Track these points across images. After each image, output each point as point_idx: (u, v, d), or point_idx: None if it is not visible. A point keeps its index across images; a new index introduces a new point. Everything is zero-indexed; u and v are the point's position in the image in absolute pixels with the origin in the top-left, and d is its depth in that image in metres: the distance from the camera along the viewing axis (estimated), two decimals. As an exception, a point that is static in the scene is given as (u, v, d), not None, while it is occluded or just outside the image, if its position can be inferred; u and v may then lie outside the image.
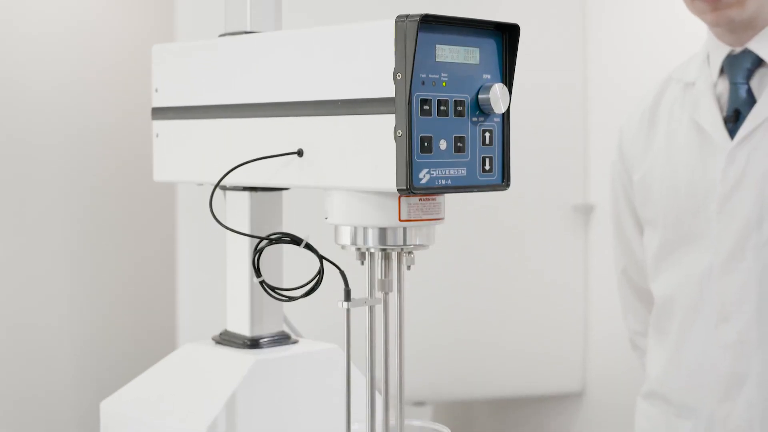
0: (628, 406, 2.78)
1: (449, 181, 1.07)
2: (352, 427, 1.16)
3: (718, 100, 1.65)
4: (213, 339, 1.34)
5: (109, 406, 1.32)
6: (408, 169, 1.03)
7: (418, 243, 1.13)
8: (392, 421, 1.17)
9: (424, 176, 1.05)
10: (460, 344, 2.92)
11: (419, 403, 2.87)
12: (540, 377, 3.00)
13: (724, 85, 1.66)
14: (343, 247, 1.15)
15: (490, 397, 3.06)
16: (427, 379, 2.84)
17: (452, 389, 2.94)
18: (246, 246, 1.28)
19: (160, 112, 1.36)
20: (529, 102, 2.73)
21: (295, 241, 1.17)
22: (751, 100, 1.62)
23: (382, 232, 1.11)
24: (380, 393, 1.17)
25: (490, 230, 2.91)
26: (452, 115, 1.06)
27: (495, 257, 2.91)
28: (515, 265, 2.93)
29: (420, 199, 1.10)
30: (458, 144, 1.07)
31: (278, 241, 1.17)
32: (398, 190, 1.05)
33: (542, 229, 2.95)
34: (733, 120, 1.62)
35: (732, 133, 1.62)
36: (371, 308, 1.16)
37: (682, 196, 1.66)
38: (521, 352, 2.95)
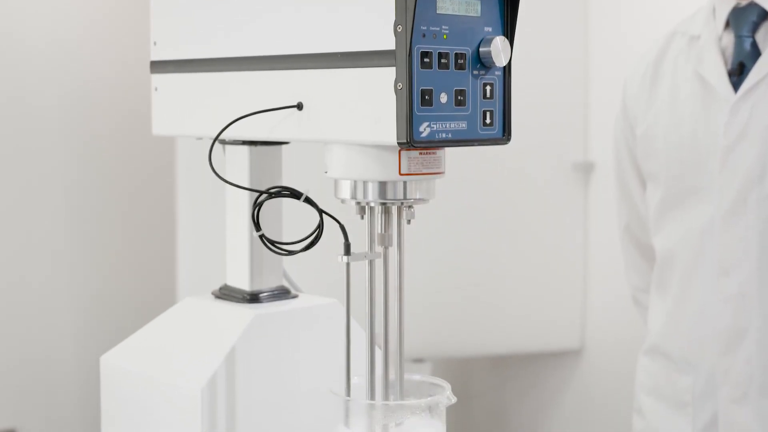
0: (626, 363, 2.79)
1: (450, 135, 1.06)
2: (352, 381, 1.16)
3: (723, 53, 1.64)
4: (213, 293, 1.34)
5: (109, 360, 1.33)
6: (408, 122, 1.03)
7: (418, 197, 1.12)
8: (392, 375, 1.18)
9: (424, 129, 1.04)
10: (459, 301, 2.92)
11: (418, 360, 2.88)
12: (539, 334, 3.01)
13: (729, 39, 1.65)
14: (342, 201, 1.15)
15: (488, 355, 3.07)
16: (426, 336, 2.84)
17: (451, 346, 2.95)
18: (245, 200, 1.27)
19: (158, 66, 1.35)
20: (529, 56, 2.71)
21: (295, 194, 1.16)
22: (756, 54, 1.61)
23: (382, 185, 1.11)
24: (380, 348, 1.17)
25: (490, 188, 2.90)
26: (453, 68, 1.05)
27: (494, 214, 2.91)
28: (514, 223, 2.93)
29: (420, 153, 1.10)
30: (459, 97, 1.06)
31: (278, 194, 1.17)
32: (398, 143, 1.04)
33: (542, 186, 2.94)
34: (738, 73, 1.61)
35: (736, 86, 1.61)
36: (371, 263, 1.15)
37: (685, 150, 1.65)
38: (520, 310, 2.96)
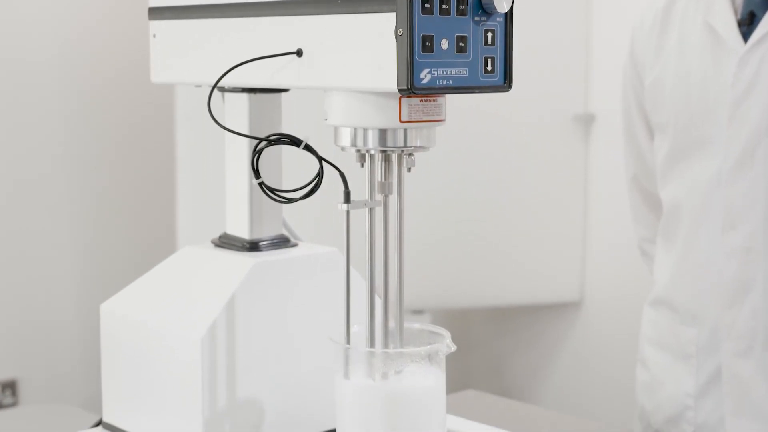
0: (625, 315, 2.80)
1: (450, 82, 1.05)
2: (352, 329, 1.17)
3: (733, 2, 1.62)
4: (212, 242, 1.33)
5: (108, 309, 1.33)
6: (409, 68, 1.02)
7: (418, 145, 1.12)
8: (391, 324, 1.18)
9: (425, 76, 1.03)
10: (459, 253, 2.92)
11: (418, 312, 2.89)
12: (538, 286, 3.02)
13: (739, -13, 1.63)
14: (342, 148, 1.14)
15: (488, 306, 3.08)
16: (425, 287, 2.85)
17: (450, 298, 2.95)
18: (245, 148, 1.27)
19: (157, 12, 1.33)
20: (531, 5, 2.69)
21: (295, 142, 1.16)
22: (766, 3, 1.59)
23: (383, 133, 1.10)
24: (379, 297, 1.17)
25: (490, 140, 2.89)
26: (454, 14, 1.04)
27: (494, 166, 2.90)
28: (514, 174, 2.92)
29: (421, 100, 1.09)
30: (460, 44, 1.05)
31: (277, 142, 1.16)
32: (399, 90, 1.03)
33: (542, 138, 2.93)
34: (747, 23, 1.59)
35: (745, 36, 1.59)
36: (371, 211, 1.15)
37: (693, 100, 1.64)
38: (520, 261, 2.96)
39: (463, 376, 3.19)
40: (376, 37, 1.03)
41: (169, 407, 1.23)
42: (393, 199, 1.15)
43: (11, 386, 3.07)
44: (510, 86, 1.11)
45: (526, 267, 2.97)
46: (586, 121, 2.95)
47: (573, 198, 2.98)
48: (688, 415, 1.68)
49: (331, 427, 1.28)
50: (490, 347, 3.32)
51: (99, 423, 1.37)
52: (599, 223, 2.96)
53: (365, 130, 1.11)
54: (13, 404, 3.05)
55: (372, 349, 1.15)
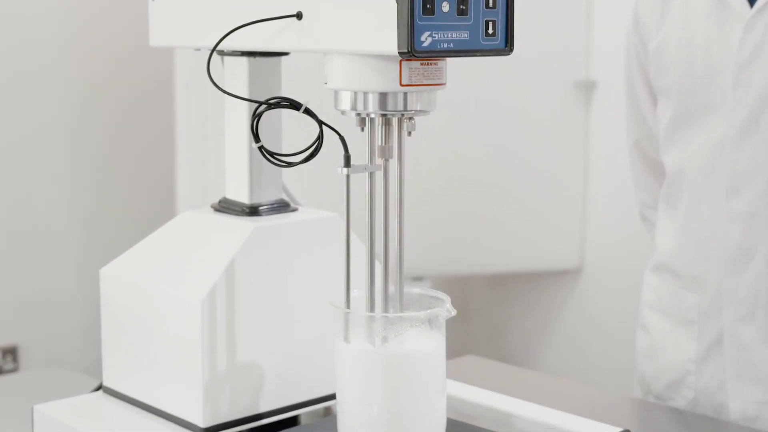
0: (625, 282, 2.81)
1: (451, 45, 1.05)
2: (352, 294, 1.17)
3: (739, -34, 1.61)
4: (212, 207, 1.33)
5: (108, 273, 1.33)
6: (409, 31, 1.01)
7: (419, 108, 1.11)
8: (391, 288, 1.18)
9: (425, 39, 1.03)
10: (459, 219, 2.92)
11: (418, 278, 2.89)
12: (538, 253, 3.02)
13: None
14: (343, 112, 1.14)
15: (488, 273, 3.08)
16: (425, 254, 2.85)
17: (450, 264, 2.95)
18: (245, 112, 1.26)
19: (155, -25, 1.32)
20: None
21: (295, 105, 1.15)
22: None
23: (383, 96, 1.10)
24: (379, 262, 1.17)
25: (490, 106, 2.88)
26: (455, -24, 1.03)
27: (494, 132, 2.89)
28: (515, 141, 2.91)
29: (421, 64, 1.08)
30: (461, 6, 1.05)
31: (277, 105, 1.16)
32: (399, 53, 1.03)
33: (543, 104, 2.92)
34: (754, -13, 1.58)
35: (751, 1, 1.58)
36: (371, 175, 1.15)
37: (697, 65, 1.63)
38: (520, 228, 2.96)
39: (462, 343, 3.20)
40: (377, 0, 1.03)
41: (169, 371, 1.24)
42: (393, 163, 1.15)
43: (12, 352, 3.07)
44: (511, 50, 1.10)
45: (526, 234, 2.97)
46: (587, 87, 2.94)
47: (573, 165, 2.97)
48: (688, 380, 1.69)
49: (330, 392, 1.29)
50: (490, 314, 3.33)
51: (99, 387, 1.37)
52: (599, 189, 2.96)
53: (365, 93, 1.10)
54: (14, 370, 3.06)
55: (372, 314, 1.15)
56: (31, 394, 2.62)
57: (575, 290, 3.08)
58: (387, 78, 1.08)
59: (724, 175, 1.61)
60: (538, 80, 2.90)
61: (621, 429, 1.23)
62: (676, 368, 1.71)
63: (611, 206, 2.91)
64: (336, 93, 1.13)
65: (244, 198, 1.29)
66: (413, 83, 1.09)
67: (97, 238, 3.17)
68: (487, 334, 3.33)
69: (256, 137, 1.16)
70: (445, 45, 1.04)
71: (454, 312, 1.14)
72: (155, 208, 3.15)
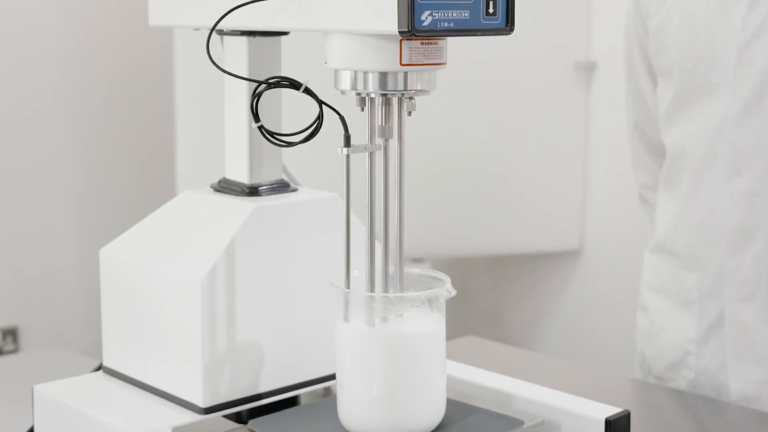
0: (625, 264, 2.81)
1: (452, 24, 1.04)
2: (352, 274, 1.16)
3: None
4: (212, 187, 1.33)
5: (108, 253, 1.33)
6: (410, 10, 1.01)
7: (419, 88, 1.11)
8: (391, 268, 1.18)
9: (426, 18, 1.02)
10: (459, 200, 2.92)
11: (417, 260, 2.89)
12: (538, 235, 3.02)
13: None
14: (342, 92, 1.13)
15: (488, 255, 3.08)
16: (425, 235, 2.85)
17: (450, 246, 2.95)
18: (244, 92, 1.26)
19: (154, -46, 1.32)
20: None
21: (294, 85, 1.15)
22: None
23: (383, 76, 1.10)
24: (379, 242, 1.17)
25: (490, 87, 2.88)
26: (456, -45, 1.03)
27: (494, 113, 2.89)
28: (515, 122, 2.91)
29: (422, 43, 1.08)
30: (462, -15, 1.04)
31: (277, 85, 1.16)
32: (399, 32, 1.02)
33: (543, 86, 2.92)
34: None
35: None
36: (371, 155, 1.15)
37: (699, 44, 1.62)
38: (520, 210, 2.96)
39: (462, 324, 3.20)
40: (377, -22, 1.02)
41: (169, 351, 1.24)
42: (393, 143, 1.15)
43: (12, 333, 3.08)
44: (512, 29, 1.10)
45: (526, 215, 2.97)
46: (588, 68, 2.93)
47: (573, 146, 2.97)
48: (689, 361, 1.69)
49: (330, 372, 1.29)
50: (490, 296, 3.33)
51: (99, 368, 1.37)
52: (599, 171, 2.96)
53: (365, 73, 1.10)
54: (14, 351, 3.06)
55: (372, 294, 1.15)
56: (31, 374, 2.62)
57: (575, 272, 3.08)
58: (387, 57, 1.08)
59: (726, 155, 1.61)
60: (538, 61, 2.89)
61: (621, 409, 1.23)
62: (677, 349, 1.71)
63: (611, 187, 2.91)
64: (336, 72, 1.13)
65: (243, 178, 1.28)
66: (413, 63, 1.08)
67: (97, 218, 3.17)
68: (487, 315, 3.34)
69: (256, 117, 1.16)
70: (446, 24, 1.04)
71: (454, 292, 1.14)
72: (155, 188, 3.15)
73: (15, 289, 3.06)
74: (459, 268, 3.27)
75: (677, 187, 1.70)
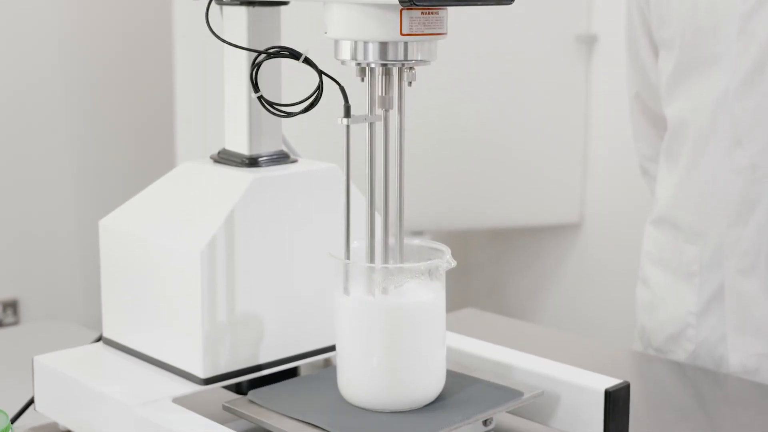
0: (625, 236, 2.81)
1: (453, -7, 1.04)
2: (352, 245, 1.16)
3: None
4: (211, 158, 1.32)
5: (107, 224, 1.32)
6: (410, -21, 1.00)
7: (419, 58, 1.10)
8: (391, 240, 1.17)
9: (427, -13, 1.02)
10: (459, 173, 2.92)
11: (417, 233, 2.89)
12: (538, 208, 3.01)
13: None
14: (342, 62, 1.13)
15: (488, 228, 3.08)
16: (425, 209, 2.85)
17: (450, 219, 2.95)
18: (244, 62, 1.25)
19: (153, -77, 1.31)
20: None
21: (294, 55, 1.14)
22: None
23: (383, 46, 1.09)
24: (379, 214, 1.17)
25: (491, 59, 2.87)
26: (457, -77, 1.02)
27: (495, 86, 2.88)
28: (516, 95, 2.90)
29: (422, 13, 1.07)
30: (463, -46, 1.03)
31: (276, 54, 1.15)
32: (400, 2, 1.02)
33: (544, 58, 2.91)
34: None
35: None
36: (371, 126, 1.14)
37: (700, 15, 1.61)
38: (520, 183, 2.96)
39: (462, 297, 3.21)
40: (377, -53, 1.02)
41: (168, 323, 1.24)
42: (393, 114, 1.14)
43: (12, 305, 3.08)
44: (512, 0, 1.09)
45: (526, 188, 2.96)
46: (589, 41, 2.92)
47: (574, 119, 2.96)
48: (689, 333, 1.69)
49: (330, 343, 1.29)
50: (490, 269, 3.33)
51: (99, 339, 1.37)
52: (600, 144, 2.95)
53: (365, 43, 1.09)
54: (15, 323, 3.07)
55: (372, 265, 1.15)
56: (31, 346, 2.63)
57: (575, 244, 3.08)
58: (387, 27, 1.07)
59: (727, 127, 1.60)
60: (539, 34, 2.88)
61: (620, 381, 1.23)
62: (677, 321, 1.71)
63: (612, 160, 2.90)
64: (336, 42, 1.12)
65: (243, 149, 1.28)
66: (414, 33, 1.08)
67: (97, 190, 3.17)
68: (487, 288, 3.34)
69: (256, 87, 1.15)
70: (447, -7, 1.03)
71: (454, 263, 1.14)
72: (154, 159, 3.14)
73: (15, 261, 3.07)
74: (459, 241, 3.27)
75: (678, 159, 1.70)
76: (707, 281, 1.66)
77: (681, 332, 1.70)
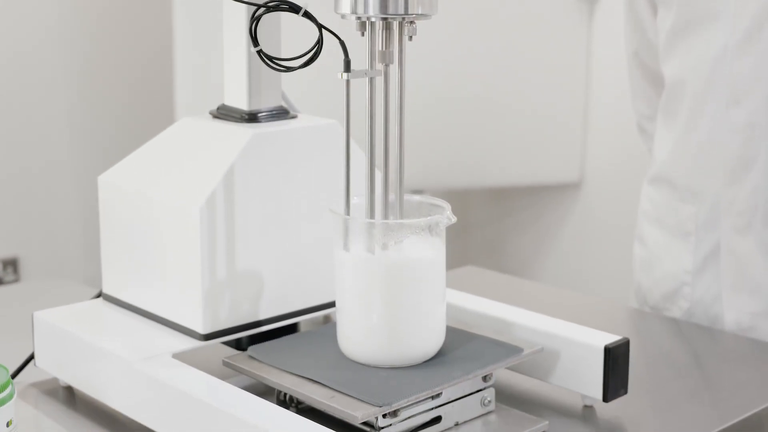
0: (625, 197, 2.80)
1: (454, -54, 1.03)
2: (352, 201, 1.16)
3: None
4: (210, 113, 1.32)
5: (106, 180, 1.32)
6: (411, -69, 0.99)
7: (420, 12, 1.10)
8: (391, 196, 1.17)
9: (428, -60, 1.01)
10: (458, 132, 2.91)
11: (417, 192, 2.88)
12: (538, 167, 3.01)
13: None
14: (342, 16, 1.12)
15: (487, 187, 3.08)
16: (424, 167, 2.84)
17: (450, 178, 2.95)
18: (243, 16, 1.24)
19: None
20: None
21: (294, 8, 1.13)
22: None
23: (383, -1, 1.08)
24: (379, 170, 1.16)
25: (491, 18, 2.85)
26: None
27: (496, 44, 2.86)
28: (516, 52, 2.88)
29: (423, -34, 1.06)
30: None
31: (276, 8, 1.14)
32: (401, -46, 1.01)
33: (546, 16, 2.89)
34: None
35: None
36: (371, 80, 1.13)
37: (699, -27, 1.60)
38: (520, 142, 2.95)
39: (462, 256, 3.21)
40: None
41: (168, 278, 1.24)
42: (394, 68, 1.14)
43: (12, 263, 3.09)
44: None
45: (526, 147, 2.95)
46: (590, 0, 2.90)
47: (574, 77, 2.95)
48: (684, 292, 1.69)
49: (330, 300, 1.29)
50: (490, 228, 3.33)
51: (99, 295, 1.37)
52: (600, 102, 2.94)
53: (366, -4, 1.09)
54: (15, 281, 3.07)
55: (372, 220, 1.15)
56: (31, 303, 2.63)
57: (575, 204, 3.08)
58: (388, -20, 1.06)
59: (725, 85, 1.59)
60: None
61: (620, 337, 1.23)
62: (672, 279, 1.71)
63: (612, 120, 2.89)
64: (336, -4, 1.11)
65: (242, 104, 1.27)
66: (414, -14, 1.07)
67: (96, 146, 3.16)
68: (487, 247, 3.34)
69: (255, 41, 1.14)
70: (448, -54, 1.02)
71: (454, 219, 1.14)
72: (154, 114, 3.13)
73: (15, 219, 3.07)
74: (458, 200, 3.27)
75: (675, 117, 1.69)
76: (703, 240, 1.66)
77: (676, 291, 1.70)
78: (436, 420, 1.15)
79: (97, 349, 1.21)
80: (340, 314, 1.17)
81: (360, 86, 1.13)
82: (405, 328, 1.14)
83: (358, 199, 1.17)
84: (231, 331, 1.22)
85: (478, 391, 1.18)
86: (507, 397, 1.27)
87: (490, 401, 1.20)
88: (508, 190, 3.19)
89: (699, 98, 1.64)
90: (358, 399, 1.07)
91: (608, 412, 1.25)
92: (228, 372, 1.19)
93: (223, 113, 1.29)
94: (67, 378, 1.28)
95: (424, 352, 1.16)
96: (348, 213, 1.15)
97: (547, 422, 1.19)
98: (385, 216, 1.16)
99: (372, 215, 1.15)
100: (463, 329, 1.25)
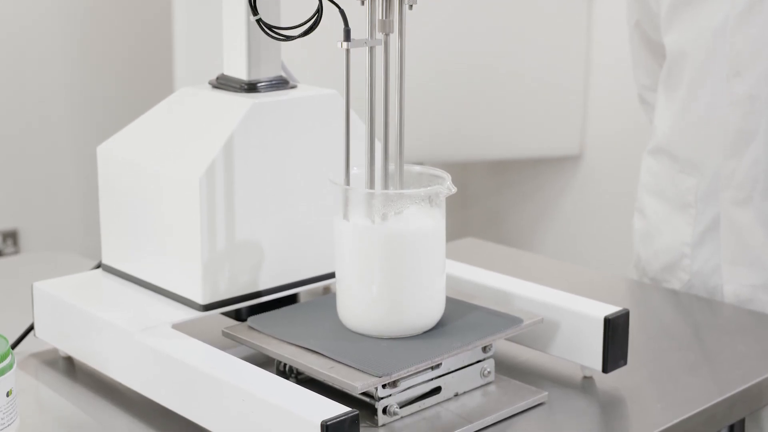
0: (625, 170, 2.80)
1: None
2: (352, 171, 1.15)
3: None
4: (210, 83, 1.31)
5: (105, 150, 1.31)
6: None
7: (420, -19, 1.09)
8: (391, 166, 1.17)
9: None
10: (458, 104, 2.90)
11: (416, 164, 2.87)
12: (539, 139, 3.00)
13: None
14: (343, -15, 1.11)
15: (488, 159, 3.07)
16: (424, 139, 2.83)
17: (450, 150, 2.94)
18: (242, -14, 1.23)
19: None
20: None
21: (293, -23, 1.12)
22: None
23: (384, -32, 1.07)
24: (379, 140, 1.16)
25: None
26: None
27: (496, 15, 2.85)
28: (517, 25, 2.87)
29: (424, -66, 1.06)
30: None
31: (275, -23, 1.13)
32: None
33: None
34: None
35: None
36: (371, 50, 1.13)
37: (702, -58, 1.59)
38: (520, 114, 2.94)
39: (462, 229, 3.21)
40: None
41: (168, 249, 1.23)
42: (394, 38, 1.13)
43: (12, 236, 3.08)
44: None
45: (526, 119, 2.95)
46: (592, -28, 2.89)
47: (575, 50, 2.94)
48: (684, 263, 1.69)
49: (330, 270, 1.29)
50: (490, 200, 3.33)
51: (98, 266, 1.37)
52: (601, 75, 2.93)
53: (366, -36, 1.08)
54: (15, 253, 3.07)
55: (372, 191, 1.15)
56: (31, 274, 2.63)
57: (575, 176, 3.07)
58: (388, -51, 1.05)
59: (726, 57, 1.59)
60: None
61: (620, 308, 1.23)
62: (672, 251, 1.71)
63: (612, 92, 2.88)
64: (336, -35, 1.10)
65: (242, 74, 1.26)
66: (415, -46, 1.06)
67: (95, 117, 3.15)
68: (487, 220, 3.34)
69: (254, 9, 1.14)
70: None
71: (454, 189, 1.14)
72: (153, 84, 3.12)
73: (14, 191, 3.06)
74: (458, 172, 3.26)
75: (676, 88, 1.68)
76: (703, 212, 1.66)
77: (676, 262, 1.70)
78: (436, 390, 1.15)
79: (97, 320, 1.21)
80: (339, 285, 1.17)
81: (360, 54, 1.12)
82: (404, 298, 1.14)
83: (358, 170, 1.16)
84: (231, 301, 1.22)
85: (477, 361, 1.18)
86: (507, 368, 1.27)
87: (489, 372, 1.20)
88: (509, 163, 3.18)
89: (700, 70, 1.63)
90: (358, 369, 1.07)
91: (607, 383, 1.26)
92: (227, 342, 1.19)
93: (223, 83, 1.28)
94: (67, 348, 1.28)
95: (423, 322, 1.16)
96: (348, 183, 1.15)
97: (546, 393, 1.19)
98: (385, 186, 1.15)
99: (372, 185, 1.15)
100: (463, 300, 1.25)
